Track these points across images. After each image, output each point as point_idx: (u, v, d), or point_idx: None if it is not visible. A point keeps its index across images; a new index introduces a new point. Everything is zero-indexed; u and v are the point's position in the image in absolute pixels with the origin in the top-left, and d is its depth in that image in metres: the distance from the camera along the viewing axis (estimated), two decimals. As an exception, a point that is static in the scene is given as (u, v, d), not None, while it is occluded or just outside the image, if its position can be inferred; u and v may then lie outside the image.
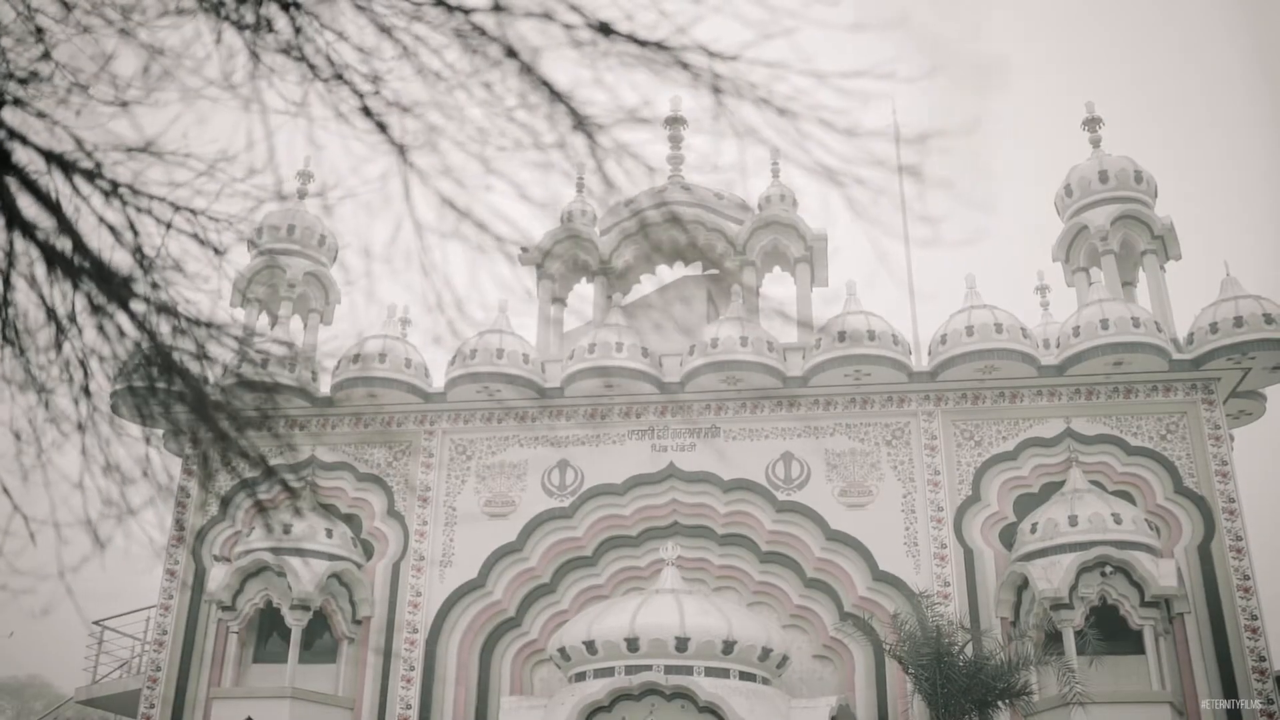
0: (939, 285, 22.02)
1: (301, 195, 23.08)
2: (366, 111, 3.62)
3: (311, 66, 3.87)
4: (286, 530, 19.89)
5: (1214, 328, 19.58)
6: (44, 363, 3.94)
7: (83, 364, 4.18)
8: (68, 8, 4.21)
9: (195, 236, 4.15)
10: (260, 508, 4.00)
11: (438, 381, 21.57)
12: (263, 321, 23.04)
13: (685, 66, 3.50)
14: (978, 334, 19.81)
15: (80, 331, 3.91)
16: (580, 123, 3.45)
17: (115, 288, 3.65)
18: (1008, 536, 19.45)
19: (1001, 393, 20.30)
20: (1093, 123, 22.65)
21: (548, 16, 3.37)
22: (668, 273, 24.70)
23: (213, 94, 3.77)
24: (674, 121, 22.95)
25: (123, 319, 3.72)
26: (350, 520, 21.18)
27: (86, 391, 4.26)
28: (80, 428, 3.86)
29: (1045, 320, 24.78)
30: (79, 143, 3.93)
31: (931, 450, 20.15)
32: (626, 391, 20.86)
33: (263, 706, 18.96)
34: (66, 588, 3.72)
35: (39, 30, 4.28)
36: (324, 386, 21.54)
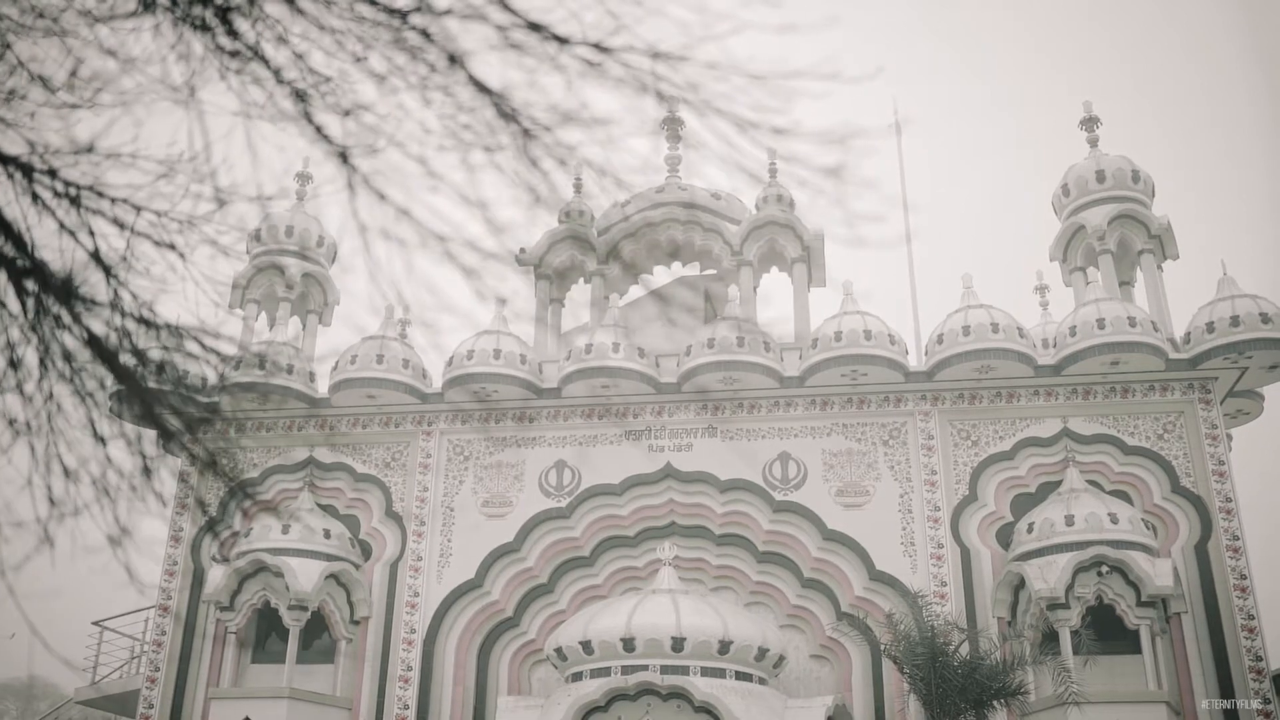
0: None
1: (300, 197, 23.14)
2: (308, 116, 3.64)
3: (270, 65, 3.90)
4: (286, 530, 20.00)
5: (1210, 327, 19.53)
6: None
7: (43, 365, 4.21)
8: (36, 13, 4.25)
9: (149, 237, 4.19)
10: (203, 507, 4.03)
11: (435, 382, 21.61)
12: (262, 322, 23.14)
13: (627, 67, 3.52)
14: (974, 334, 19.78)
15: (38, 332, 3.95)
16: (511, 119, 3.47)
17: (57, 288, 3.69)
18: (1005, 536, 19.43)
19: (998, 392, 20.28)
20: (1090, 122, 22.62)
21: (481, 17, 3.40)
22: (665, 273, 24.74)
23: (151, 97, 3.80)
24: (671, 122, 22.95)
25: (68, 320, 3.75)
26: (348, 521, 21.24)
27: (50, 395, 4.30)
28: (29, 427, 3.90)
29: (1045, 320, 24.75)
30: (31, 145, 3.96)
31: (928, 450, 20.14)
32: (623, 392, 20.88)
33: (261, 707, 19.02)
34: (8, 587, 3.76)
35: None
36: (322, 387, 21.62)
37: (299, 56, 3.62)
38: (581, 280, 23.78)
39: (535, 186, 3.48)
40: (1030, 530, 18.83)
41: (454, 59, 3.43)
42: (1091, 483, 19.35)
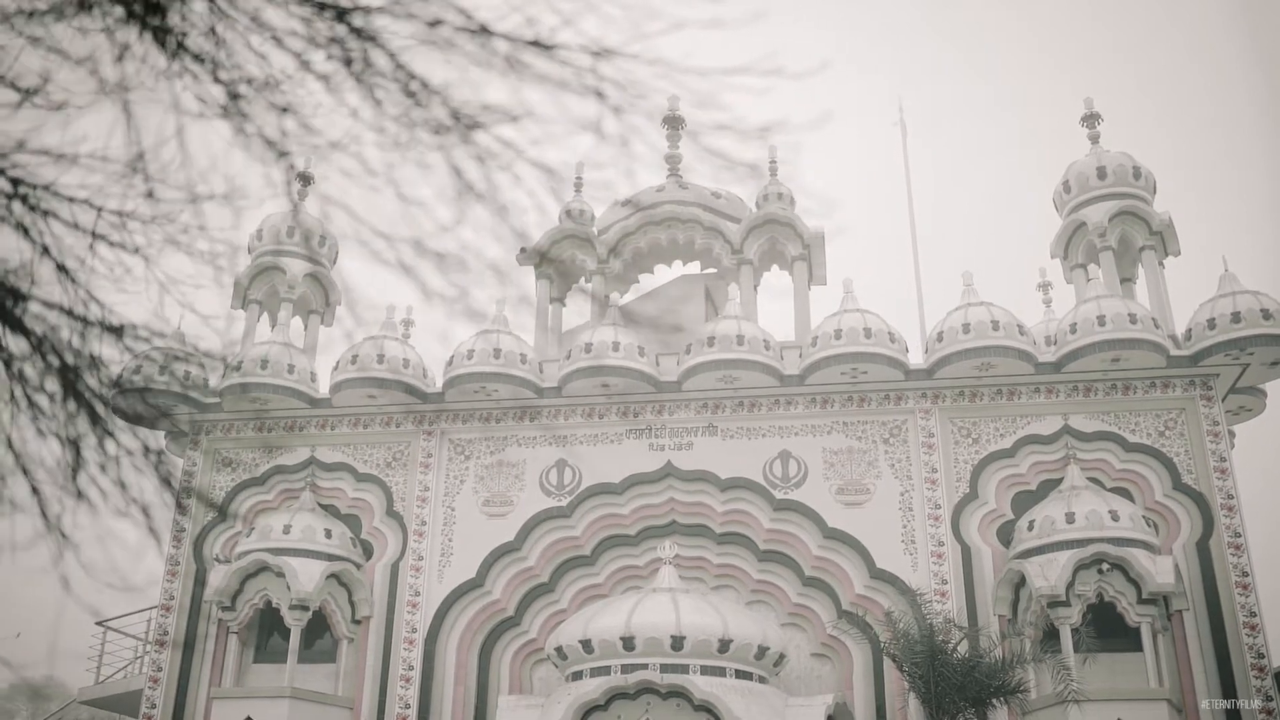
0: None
1: (301, 197, 23.16)
2: (244, 114, 3.65)
3: (208, 63, 3.92)
4: (287, 530, 20.05)
5: (1212, 323, 19.43)
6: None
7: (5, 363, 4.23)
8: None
9: (106, 239, 4.20)
10: (145, 510, 4.04)
11: (436, 381, 21.62)
12: (263, 323, 23.18)
13: (565, 64, 3.52)
14: (974, 331, 19.72)
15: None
16: (452, 118, 3.47)
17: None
18: (1005, 534, 19.38)
19: (999, 390, 20.22)
20: (1091, 119, 22.54)
21: (411, 15, 3.40)
22: (666, 272, 24.72)
23: (93, 96, 3.81)
24: (672, 120, 22.94)
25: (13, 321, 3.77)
26: (350, 520, 21.27)
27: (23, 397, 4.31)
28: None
29: (1048, 317, 24.63)
30: (-19, 146, 3.98)
31: (929, 448, 20.09)
32: (624, 391, 20.87)
33: (262, 706, 19.05)
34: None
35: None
36: (323, 387, 21.66)
37: (243, 43, 3.62)
38: (582, 279, 23.77)
39: (472, 184, 3.48)
40: (1031, 528, 18.77)
41: (371, 36, 3.42)
42: (1092, 480, 19.28)
